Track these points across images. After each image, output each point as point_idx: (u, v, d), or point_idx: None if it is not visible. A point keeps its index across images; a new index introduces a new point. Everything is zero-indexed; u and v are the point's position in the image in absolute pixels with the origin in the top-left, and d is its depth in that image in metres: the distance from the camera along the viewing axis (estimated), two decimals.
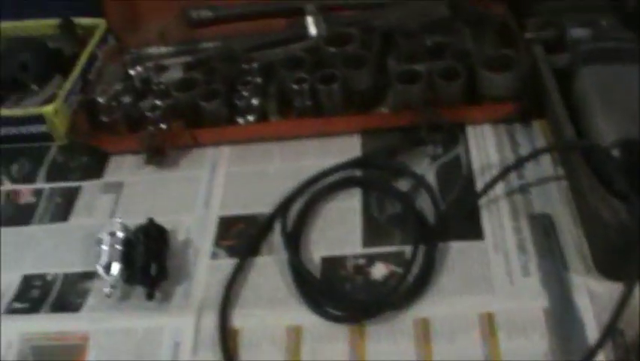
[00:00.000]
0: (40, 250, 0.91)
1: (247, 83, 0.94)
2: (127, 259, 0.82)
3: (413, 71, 0.92)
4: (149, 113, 0.94)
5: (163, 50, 1.05)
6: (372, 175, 0.89)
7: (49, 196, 0.97)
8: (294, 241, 0.82)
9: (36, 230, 0.93)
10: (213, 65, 0.98)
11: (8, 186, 1.01)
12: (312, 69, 0.95)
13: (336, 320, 0.76)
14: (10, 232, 0.94)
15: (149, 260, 0.81)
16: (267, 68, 0.98)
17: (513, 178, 0.87)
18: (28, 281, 0.87)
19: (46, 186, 0.99)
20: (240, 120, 0.95)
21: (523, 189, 0.86)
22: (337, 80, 0.92)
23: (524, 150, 0.90)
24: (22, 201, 0.98)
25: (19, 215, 0.96)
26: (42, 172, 1.01)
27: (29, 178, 1.01)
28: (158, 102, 0.94)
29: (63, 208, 0.95)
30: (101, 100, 0.97)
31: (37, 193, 0.98)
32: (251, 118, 0.94)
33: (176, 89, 0.96)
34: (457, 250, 0.80)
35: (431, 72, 0.91)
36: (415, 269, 0.79)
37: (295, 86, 0.93)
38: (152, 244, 0.83)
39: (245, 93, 0.93)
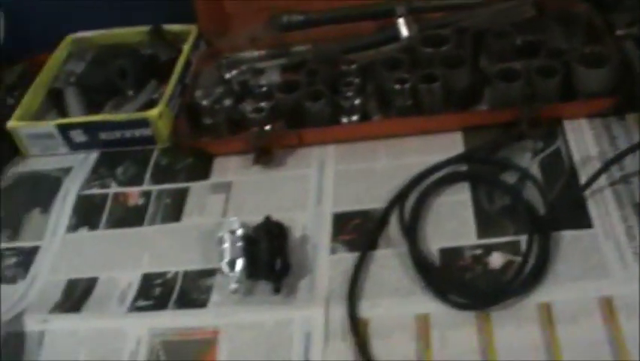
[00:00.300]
0: (157, 249, 0.94)
1: (349, 84, 0.98)
2: (249, 255, 0.85)
3: (511, 70, 0.95)
4: (253, 115, 0.97)
5: (255, 53, 1.08)
6: (478, 169, 0.92)
7: (157, 198, 1.00)
8: (412, 233, 0.85)
9: (150, 231, 0.96)
10: (313, 67, 1.01)
11: (115, 188, 1.03)
12: (409, 69, 0.98)
13: (462, 307, 0.79)
14: (123, 233, 0.97)
15: (273, 255, 0.84)
16: (365, 69, 1.01)
17: (614, 170, 0.89)
18: (148, 280, 0.90)
19: (154, 188, 1.02)
20: (344, 120, 0.98)
21: (625, 180, 0.88)
22: (438, 80, 0.95)
23: (621, 142, 0.93)
24: (131, 203, 1.01)
25: (130, 217, 0.99)
26: (147, 174, 1.04)
27: (135, 181, 1.04)
28: (262, 104, 0.97)
29: (174, 209, 0.98)
30: (204, 103, 1.00)
31: (146, 195, 1.01)
32: (354, 118, 0.97)
33: (280, 90, 0.98)
34: (568, 239, 0.83)
35: (529, 70, 0.94)
36: (531, 257, 0.81)
37: (397, 86, 0.96)
38: (273, 240, 0.86)
39: (349, 94, 0.96)
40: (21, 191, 1.09)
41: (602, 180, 0.88)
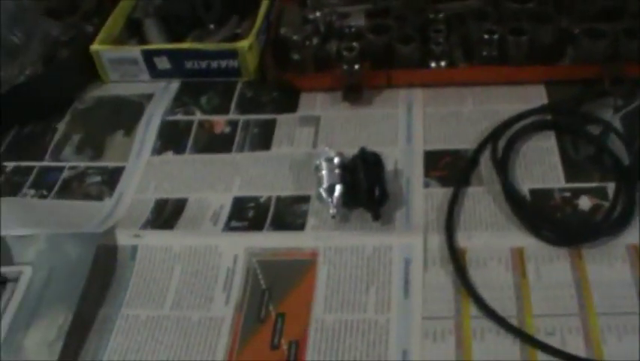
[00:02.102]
0: (247, 175, 0.96)
1: (439, 31, 1.01)
2: (347, 182, 0.88)
3: (596, 29, 0.99)
4: (345, 53, 1.00)
5: None
6: (564, 120, 0.96)
7: (244, 127, 1.03)
8: (504, 171, 0.89)
9: (239, 157, 0.99)
10: (401, 13, 1.04)
11: (200, 116, 1.06)
12: (496, 22, 1.02)
13: (555, 243, 0.83)
14: (211, 158, 1.00)
15: (372, 183, 0.87)
16: (450, 19, 1.05)
17: None
18: (240, 203, 0.93)
19: (241, 117, 1.05)
20: (433, 64, 1.01)
21: None
22: (526, 33, 0.99)
23: None
24: (218, 130, 1.03)
25: (217, 143, 1.02)
26: (232, 105, 1.07)
27: (220, 110, 1.07)
28: (354, 44, 1.00)
29: (262, 138, 1.01)
30: (295, 38, 1.03)
31: (232, 124, 1.04)
32: (443, 63, 1.01)
33: (371, 31, 1.02)
34: None
35: (615, 30, 0.98)
36: (619, 202, 0.86)
37: (486, 36, 0.99)
38: (371, 169, 0.89)
39: (440, 40, 1.00)
40: (103, 113, 1.11)
41: None
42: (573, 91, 0.99)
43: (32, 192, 1.01)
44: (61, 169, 1.03)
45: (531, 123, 0.95)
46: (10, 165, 1.06)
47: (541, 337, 0.75)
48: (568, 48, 1.03)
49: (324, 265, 0.84)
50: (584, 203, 0.87)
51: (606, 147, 0.92)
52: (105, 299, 0.85)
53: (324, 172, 0.89)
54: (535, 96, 1.00)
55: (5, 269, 0.89)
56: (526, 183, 0.90)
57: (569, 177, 0.90)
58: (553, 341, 0.74)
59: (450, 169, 0.92)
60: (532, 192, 0.89)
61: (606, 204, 0.86)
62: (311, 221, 0.89)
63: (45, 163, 1.05)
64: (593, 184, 0.89)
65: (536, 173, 0.91)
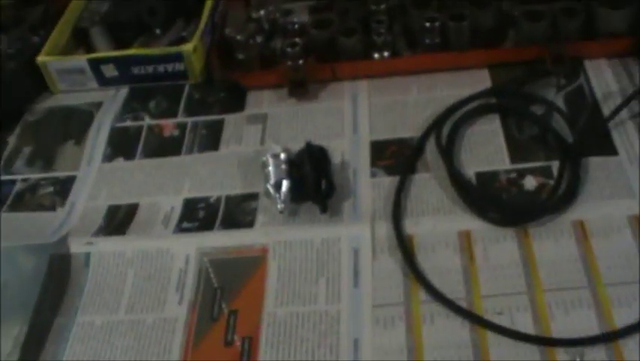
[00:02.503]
0: (197, 176, 0.97)
1: (381, 22, 1.02)
2: (294, 177, 0.89)
3: (535, 11, 1.00)
4: (289, 49, 1.00)
5: None
6: (507, 102, 0.97)
7: (193, 129, 1.04)
8: (449, 156, 0.90)
9: (188, 159, 1.00)
10: (344, 6, 1.05)
11: (149, 120, 1.06)
12: (436, 10, 1.02)
13: (502, 223, 0.84)
14: (161, 162, 1.00)
15: (318, 177, 0.88)
16: (392, 10, 1.05)
17: (634, 104, 0.95)
18: (190, 204, 0.94)
19: (189, 119, 1.05)
20: (376, 55, 1.02)
21: None
22: (466, 19, 1.00)
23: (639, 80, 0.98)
24: (167, 134, 1.04)
25: (166, 147, 1.02)
26: (180, 108, 1.07)
27: (169, 113, 1.07)
28: (297, 40, 1.00)
29: (211, 139, 1.01)
30: (239, 38, 1.03)
31: (181, 126, 1.04)
32: (386, 53, 1.02)
33: (313, 27, 1.02)
34: (595, 164, 0.89)
35: (553, 11, 0.99)
36: (564, 180, 0.87)
37: (427, 24, 1.00)
38: (317, 163, 0.90)
39: (382, 30, 1.00)
40: (53, 124, 1.11)
41: (624, 113, 0.94)
42: (516, 73, 0.99)
43: None
44: (13, 182, 1.03)
45: (475, 107, 0.96)
46: None
47: (490, 317, 0.76)
48: (509, 31, 1.04)
49: (274, 260, 0.85)
50: (530, 183, 0.88)
51: (550, 126, 0.92)
52: (60, 308, 0.85)
53: (270, 168, 0.89)
54: (480, 80, 1.01)
55: None
56: (471, 166, 0.90)
57: (514, 158, 0.91)
58: (503, 320, 0.75)
59: (396, 158, 0.93)
60: (478, 175, 0.90)
61: (551, 182, 0.87)
62: (260, 218, 0.89)
63: None
64: (538, 164, 0.90)
65: (481, 156, 0.92)
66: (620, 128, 0.93)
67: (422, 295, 0.79)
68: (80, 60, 1.09)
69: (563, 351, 0.72)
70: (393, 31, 1.05)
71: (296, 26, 1.05)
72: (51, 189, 1.00)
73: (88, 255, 0.90)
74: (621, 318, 0.74)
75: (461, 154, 0.92)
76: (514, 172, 0.89)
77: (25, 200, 1.00)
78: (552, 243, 0.82)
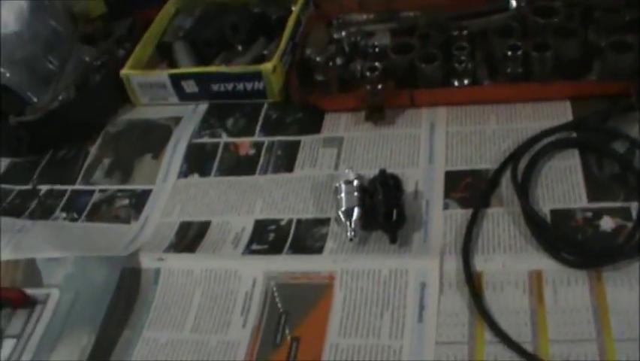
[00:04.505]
0: (269, 197, 0.97)
1: (462, 48, 1.00)
2: (366, 205, 0.88)
3: (622, 42, 0.97)
4: (368, 73, 0.99)
5: (364, 16, 1.11)
6: (588, 137, 0.94)
7: (269, 148, 1.04)
8: (525, 192, 0.88)
9: (262, 179, 1.00)
10: (425, 31, 1.03)
11: (226, 138, 1.07)
12: (520, 38, 1.00)
13: (575, 265, 0.81)
14: (235, 181, 1.01)
15: (390, 206, 0.87)
16: (474, 36, 1.04)
17: None
18: (261, 225, 0.94)
19: (265, 139, 1.05)
20: (456, 83, 1.00)
21: None
22: (550, 49, 0.97)
23: None
24: (243, 152, 1.04)
25: (242, 166, 1.03)
26: (258, 126, 1.08)
27: (246, 132, 1.08)
28: (377, 64, 1.00)
29: (286, 160, 1.02)
30: (318, 59, 1.03)
31: (257, 145, 1.05)
32: (466, 81, 1.00)
33: (393, 51, 1.01)
34: None
35: None
36: None
37: (509, 53, 0.98)
38: (390, 192, 0.89)
39: (463, 57, 0.99)
40: (132, 136, 1.13)
41: None
42: (599, 107, 0.97)
43: (64, 215, 1.03)
44: (91, 192, 1.06)
45: (554, 141, 0.94)
46: (44, 188, 1.08)
47: None
48: (594, 62, 1.01)
49: (340, 289, 0.84)
50: (606, 224, 0.85)
51: (632, 165, 0.89)
52: (127, 322, 0.87)
53: (342, 195, 0.89)
54: (561, 113, 0.98)
55: (34, 291, 0.90)
56: (547, 203, 0.88)
57: (592, 196, 0.88)
58: None
59: (471, 190, 0.92)
60: (553, 212, 0.87)
61: (629, 224, 0.84)
62: (329, 244, 0.89)
63: (77, 187, 1.07)
64: (617, 204, 0.87)
65: (558, 192, 0.89)
66: None
67: (487, 335, 0.77)
68: (162, 75, 1.11)
69: None
70: (475, 58, 1.03)
71: (377, 50, 1.05)
72: (127, 201, 1.02)
73: (158, 271, 0.91)
74: None
75: (537, 189, 0.90)
76: (591, 211, 0.86)
77: (102, 211, 1.02)
78: (626, 290, 0.79)
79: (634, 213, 0.85)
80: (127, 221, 1.00)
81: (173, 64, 1.16)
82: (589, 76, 1.01)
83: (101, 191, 1.05)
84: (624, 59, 0.96)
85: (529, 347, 0.75)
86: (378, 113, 0.99)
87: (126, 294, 0.90)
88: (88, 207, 1.03)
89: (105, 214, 1.02)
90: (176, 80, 1.10)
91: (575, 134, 0.95)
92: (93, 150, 1.12)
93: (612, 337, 0.75)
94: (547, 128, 0.95)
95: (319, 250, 0.89)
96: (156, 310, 0.87)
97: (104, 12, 1.24)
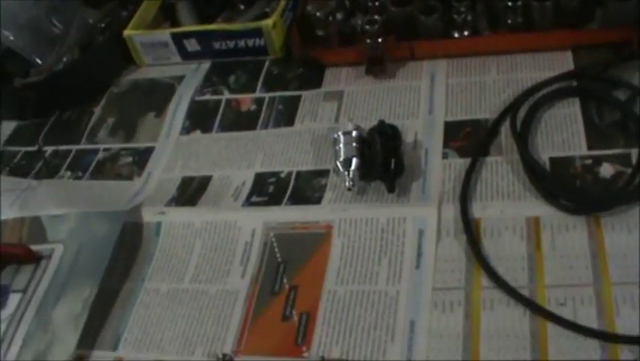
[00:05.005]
0: (270, 151, 0.97)
1: (462, 0, 0.99)
2: (364, 155, 0.88)
3: None
4: (367, 27, 0.99)
5: None
6: (589, 86, 0.93)
7: (270, 104, 1.04)
8: (524, 140, 0.87)
9: (263, 134, 1.00)
10: None
11: (228, 95, 1.07)
12: None
13: (573, 211, 0.81)
14: (236, 136, 1.01)
15: (388, 156, 0.87)
16: None
17: None
18: (261, 178, 0.94)
19: (267, 95, 1.05)
20: (456, 34, 1.00)
21: None
22: None
23: None
24: (244, 108, 1.05)
25: (243, 121, 1.03)
26: (259, 83, 1.08)
27: (248, 88, 1.08)
28: (376, 17, 0.99)
29: (286, 114, 1.02)
30: (319, 14, 1.02)
31: (258, 101, 1.05)
32: (466, 33, 0.99)
33: (393, 4, 1.01)
34: None
35: None
36: None
37: (509, 3, 0.97)
38: (388, 142, 0.88)
39: (462, 9, 0.98)
40: (136, 96, 1.14)
41: None
42: (601, 55, 0.96)
43: (69, 173, 1.05)
44: (95, 151, 1.07)
45: (554, 90, 0.93)
46: (49, 149, 1.09)
47: (552, 308, 0.73)
48: (596, 11, 0.99)
49: (338, 238, 0.85)
50: (606, 170, 0.84)
51: (632, 112, 0.88)
52: (129, 274, 0.89)
53: (341, 145, 0.89)
54: (562, 63, 0.97)
55: (40, 247, 0.91)
56: (546, 151, 0.88)
57: (592, 144, 0.87)
58: (565, 312, 0.73)
59: (470, 139, 0.91)
60: (552, 160, 0.87)
61: (629, 170, 0.83)
62: (328, 195, 0.89)
63: (81, 146, 1.09)
64: (617, 151, 0.86)
65: (557, 140, 0.89)
66: None
67: (484, 280, 0.77)
68: (164, 34, 1.11)
69: (627, 349, 0.69)
70: (475, 10, 1.02)
71: (376, 3, 1.04)
72: (130, 159, 1.03)
73: (159, 224, 0.92)
74: None
75: (537, 138, 0.89)
76: (591, 159, 0.86)
77: (106, 169, 1.03)
78: (625, 234, 0.78)
79: (634, 160, 0.84)
80: (130, 178, 1.01)
81: (176, 24, 1.16)
82: (590, 25, 0.99)
83: (105, 150, 1.06)
84: (626, 6, 0.95)
85: (525, 292, 0.75)
86: (378, 66, 0.99)
87: (128, 247, 0.91)
88: (92, 166, 1.04)
89: (109, 172, 1.03)
90: (178, 38, 1.10)
91: (575, 83, 0.94)
92: (97, 110, 1.13)
93: (610, 281, 0.74)
94: (547, 78, 0.94)
95: (318, 201, 0.89)
96: (157, 261, 0.88)
97: None
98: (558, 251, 0.78)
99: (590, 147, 0.87)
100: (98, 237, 0.91)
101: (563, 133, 0.89)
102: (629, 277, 0.74)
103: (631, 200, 0.80)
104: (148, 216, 0.93)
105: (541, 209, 0.82)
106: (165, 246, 0.89)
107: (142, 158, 1.02)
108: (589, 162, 0.85)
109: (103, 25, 1.17)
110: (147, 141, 1.05)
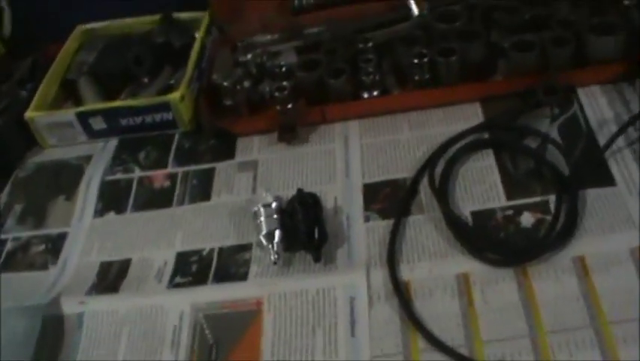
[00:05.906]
0: (189, 228, 0.95)
1: (368, 61, 1.00)
2: (286, 227, 0.87)
3: (525, 41, 0.99)
4: (277, 93, 0.99)
5: (269, 37, 1.10)
6: (501, 136, 0.95)
7: (184, 179, 1.02)
8: (444, 196, 0.88)
9: (179, 211, 0.98)
10: (330, 46, 1.03)
11: (139, 172, 1.05)
12: (425, 45, 1.01)
13: (500, 264, 0.82)
14: (152, 215, 0.99)
15: (311, 225, 0.86)
16: (380, 47, 1.04)
17: (630, 131, 0.93)
18: (183, 258, 0.92)
19: (179, 169, 1.04)
20: (365, 95, 1.00)
21: None
22: (455, 53, 0.98)
23: (634, 106, 0.97)
24: (157, 185, 1.02)
25: (157, 199, 1.01)
26: (171, 158, 1.06)
27: (159, 164, 1.05)
28: (285, 83, 0.99)
29: (202, 189, 1.00)
30: (225, 84, 1.02)
31: (172, 177, 1.03)
32: (375, 93, 1.00)
33: (300, 69, 1.01)
34: (594, 196, 0.87)
35: (542, 40, 0.98)
36: (562, 214, 0.84)
37: (416, 61, 0.99)
38: (309, 211, 0.88)
39: (370, 69, 0.99)
40: (43, 179, 1.10)
41: (620, 140, 0.92)
42: (509, 105, 0.98)
43: None
44: (4, 242, 1.01)
45: (468, 143, 0.95)
46: None
47: None
48: (499, 62, 1.02)
49: (269, 313, 0.83)
50: (527, 219, 0.86)
51: (545, 159, 0.90)
52: None
53: (262, 219, 0.88)
54: (472, 115, 0.99)
55: None
56: (467, 205, 0.89)
57: (510, 194, 0.89)
58: None
59: (390, 200, 0.91)
60: (474, 214, 0.88)
61: (549, 218, 0.85)
62: (254, 269, 0.88)
63: None
64: (535, 199, 0.88)
65: (477, 194, 0.90)
66: (618, 157, 0.91)
67: (421, 343, 0.77)
68: (68, 114, 1.08)
69: None
70: (382, 69, 1.04)
71: (284, 69, 1.03)
72: (43, 247, 0.99)
73: (81, 315, 0.88)
74: (628, 357, 0.71)
75: (456, 193, 0.90)
76: (511, 209, 0.87)
77: (17, 259, 0.99)
78: (552, 281, 0.80)
79: (552, 206, 0.85)
80: (44, 267, 0.96)
81: (79, 102, 1.13)
82: (495, 76, 1.02)
83: (14, 239, 1.01)
84: (527, 57, 0.97)
85: (464, 351, 0.75)
86: (290, 132, 0.99)
87: (50, 342, 0.87)
88: (2, 258, 0.99)
89: (21, 263, 0.98)
90: (83, 117, 1.08)
91: (487, 135, 0.95)
92: (3, 197, 1.08)
93: (544, 330, 0.75)
94: (460, 132, 0.95)
95: (244, 277, 0.87)
96: (83, 353, 0.85)
97: (3, 53, 1.20)
98: (490, 305, 0.78)
99: (508, 198, 0.88)
100: (17, 334, 0.87)
101: (482, 185, 0.90)
102: (563, 324, 0.75)
103: (555, 247, 0.81)
104: (68, 307, 0.89)
105: (468, 265, 0.82)
106: (90, 337, 0.86)
107: (55, 245, 0.98)
108: (510, 212, 0.86)
109: (1, 107, 1.12)
110: (59, 226, 1.01)
